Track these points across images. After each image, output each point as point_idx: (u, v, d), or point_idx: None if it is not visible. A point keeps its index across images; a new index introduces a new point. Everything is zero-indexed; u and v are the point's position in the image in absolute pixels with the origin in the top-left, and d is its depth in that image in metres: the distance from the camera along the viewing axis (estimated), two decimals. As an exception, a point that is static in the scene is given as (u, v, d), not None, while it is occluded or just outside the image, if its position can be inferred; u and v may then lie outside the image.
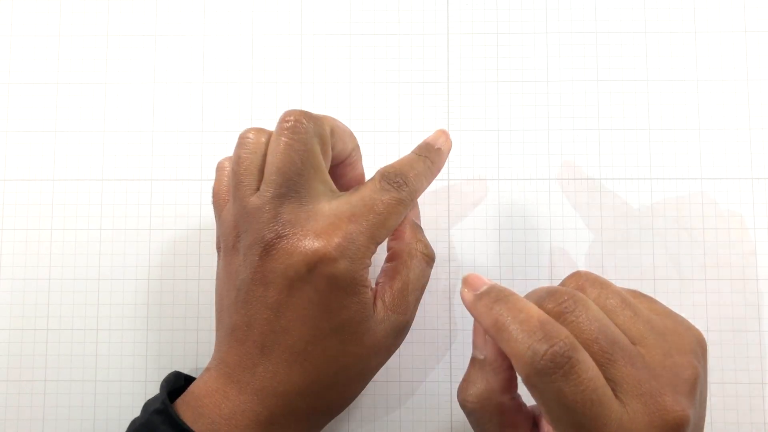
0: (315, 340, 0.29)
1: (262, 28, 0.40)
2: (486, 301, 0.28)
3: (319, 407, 0.30)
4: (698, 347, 0.28)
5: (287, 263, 0.28)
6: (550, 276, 0.37)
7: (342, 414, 0.34)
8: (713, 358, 0.37)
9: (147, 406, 0.31)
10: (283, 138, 0.29)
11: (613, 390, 0.25)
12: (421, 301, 0.37)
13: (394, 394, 0.37)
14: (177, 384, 0.32)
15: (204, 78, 0.39)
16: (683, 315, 0.29)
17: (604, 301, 0.27)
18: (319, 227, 0.29)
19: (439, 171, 0.34)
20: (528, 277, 0.38)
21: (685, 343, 0.27)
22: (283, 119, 0.30)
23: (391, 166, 0.32)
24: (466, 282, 0.29)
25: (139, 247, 0.38)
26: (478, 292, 0.28)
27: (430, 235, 0.38)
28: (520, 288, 0.37)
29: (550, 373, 0.24)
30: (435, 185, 0.38)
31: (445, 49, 0.39)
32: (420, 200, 0.37)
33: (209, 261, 0.38)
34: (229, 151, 0.39)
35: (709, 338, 0.37)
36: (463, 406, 0.29)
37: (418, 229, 0.33)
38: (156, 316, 0.38)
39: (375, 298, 0.30)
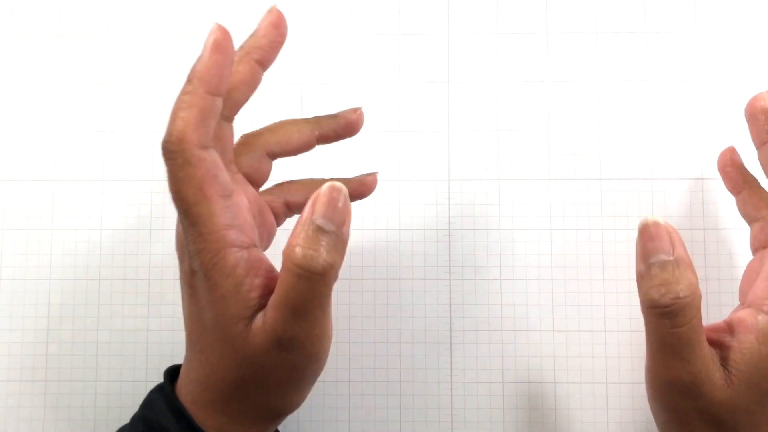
0: (199, 335, 0.28)
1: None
2: None
3: (234, 405, 0.28)
4: None
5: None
6: (551, 276, 0.37)
7: (342, 413, 0.34)
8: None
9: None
10: None
11: None
12: (422, 301, 0.37)
13: (394, 394, 0.37)
14: None
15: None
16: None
17: None
18: None
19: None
20: (528, 277, 0.37)
21: None
22: None
23: None
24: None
25: (138, 247, 0.38)
26: None
27: (430, 235, 0.38)
28: (520, 289, 0.37)
29: None
30: (435, 185, 0.38)
31: (445, 49, 0.39)
32: (419, 200, 0.37)
33: (209, 261, 0.38)
34: (229, 151, 0.39)
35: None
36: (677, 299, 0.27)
37: (304, 230, 0.26)
38: (156, 316, 0.38)
39: (266, 305, 0.27)
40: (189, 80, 0.27)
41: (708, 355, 0.27)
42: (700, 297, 0.27)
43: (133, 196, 0.38)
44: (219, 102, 0.27)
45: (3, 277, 0.38)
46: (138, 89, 0.39)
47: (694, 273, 0.27)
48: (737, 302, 0.37)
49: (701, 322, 0.27)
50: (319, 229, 0.26)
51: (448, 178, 0.38)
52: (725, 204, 0.38)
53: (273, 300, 0.27)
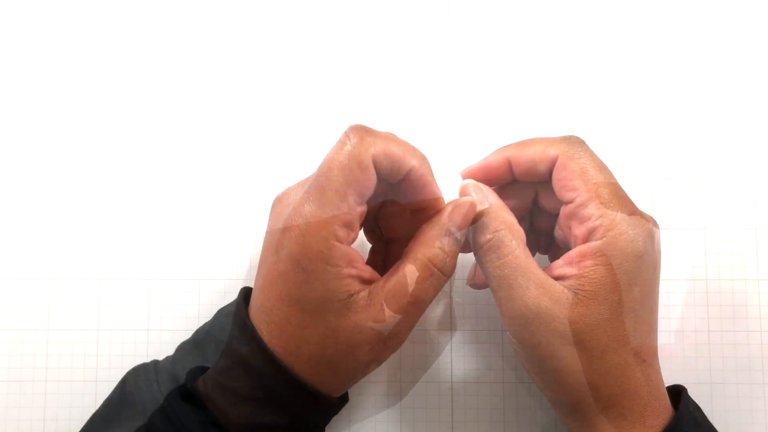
0: (288, 302, 0.29)
1: (262, 28, 0.40)
2: None
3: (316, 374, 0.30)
4: None
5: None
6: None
7: (343, 413, 0.34)
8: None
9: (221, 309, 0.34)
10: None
11: None
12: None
13: (394, 394, 0.37)
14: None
15: (204, 78, 0.39)
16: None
17: None
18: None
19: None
20: (528, 277, 0.37)
21: None
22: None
23: None
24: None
25: (139, 248, 0.38)
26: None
27: (430, 234, 0.37)
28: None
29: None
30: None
31: (445, 49, 0.39)
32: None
33: (209, 261, 0.38)
34: (231, 150, 0.39)
35: (705, 339, 0.37)
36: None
37: (441, 236, 0.30)
38: (156, 316, 0.38)
39: (368, 286, 0.29)
40: (453, 233, 0.30)
41: (547, 282, 0.29)
42: (520, 232, 0.30)
43: (134, 196, 0.38)
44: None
45: (3, 277, 0.38)
46: (138, 89, 0.39)
47: (509, 213, 0.31)
48: (738, 298, 0.37)
49: (528, 254, 0.30)
50: (453, 237, 0.30)
51: (449, 177, 0.38)
52: (726, 203, 0.38)
53: (386, 288, 0.29)
